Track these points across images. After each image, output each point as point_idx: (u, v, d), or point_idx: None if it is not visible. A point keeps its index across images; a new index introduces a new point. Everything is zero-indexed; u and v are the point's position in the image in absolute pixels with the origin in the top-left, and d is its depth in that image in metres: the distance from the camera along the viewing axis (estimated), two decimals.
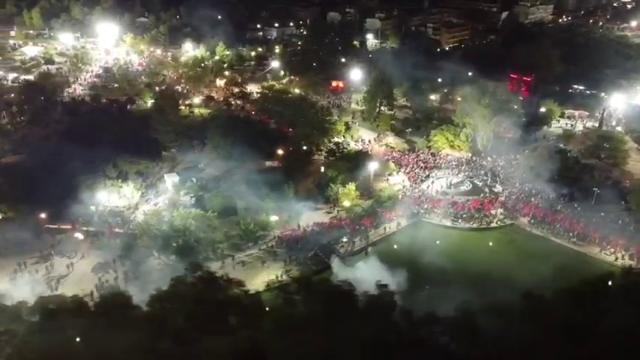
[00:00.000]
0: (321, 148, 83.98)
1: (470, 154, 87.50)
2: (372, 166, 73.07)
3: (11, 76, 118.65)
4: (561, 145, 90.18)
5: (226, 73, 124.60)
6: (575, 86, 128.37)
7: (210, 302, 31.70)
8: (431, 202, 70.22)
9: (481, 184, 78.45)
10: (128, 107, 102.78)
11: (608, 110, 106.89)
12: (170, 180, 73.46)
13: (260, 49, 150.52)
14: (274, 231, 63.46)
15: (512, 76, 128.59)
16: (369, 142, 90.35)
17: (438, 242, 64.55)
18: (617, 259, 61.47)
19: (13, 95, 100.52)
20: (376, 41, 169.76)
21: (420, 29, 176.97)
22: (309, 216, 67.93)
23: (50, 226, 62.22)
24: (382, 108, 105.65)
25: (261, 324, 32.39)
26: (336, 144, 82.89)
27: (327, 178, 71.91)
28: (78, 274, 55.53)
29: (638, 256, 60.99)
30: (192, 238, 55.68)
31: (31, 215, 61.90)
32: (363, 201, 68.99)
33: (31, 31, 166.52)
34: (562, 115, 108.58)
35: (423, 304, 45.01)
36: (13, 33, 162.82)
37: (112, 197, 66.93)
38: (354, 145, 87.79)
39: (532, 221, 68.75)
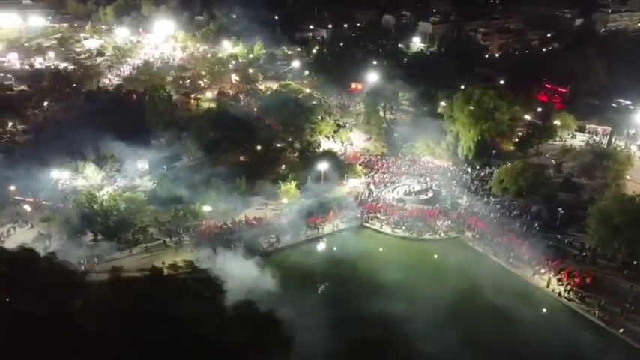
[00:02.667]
0: (294, 146, 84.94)
1: (450, 163, 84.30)
2: (323, 167, 72.82)
3: (62, 65, 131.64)
4: (553, 161, 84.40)
5: (250, 70, 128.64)
6: (621, 100, 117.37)
7: None
8: (371, 207, 68.86)
9: (445, 193, 75.23)
10: (147, 98, 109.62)
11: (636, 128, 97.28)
12: (140, 165, 78.41)
13: (299, 49, 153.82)
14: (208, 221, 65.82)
15: (547, 86, 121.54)
16: (350, 144, 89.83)
17: (381, 249, 64.39)
18: (548, 284, 56.76)
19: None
20: (422, 45, 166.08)
21: (470, 34, 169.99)
22: (254, 211, 69.63)
23: (17, 198, 69.45)
24: (386, 112, 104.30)
25: None
26: (308, 143, 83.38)
27: (279, 175, 73.01)
28: (18, 241, 61.23)
29: (565, 281, 56.02)
30: (113, 219, 59.64)
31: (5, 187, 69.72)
32: (304, 200, 69.34)
33: (103, 26, 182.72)
34: (581, 130, 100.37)
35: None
36: (87, 27, 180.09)
37: (77, 177, 73.24)
38: (331, 146, 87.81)
39: (476, 236, 65.19)
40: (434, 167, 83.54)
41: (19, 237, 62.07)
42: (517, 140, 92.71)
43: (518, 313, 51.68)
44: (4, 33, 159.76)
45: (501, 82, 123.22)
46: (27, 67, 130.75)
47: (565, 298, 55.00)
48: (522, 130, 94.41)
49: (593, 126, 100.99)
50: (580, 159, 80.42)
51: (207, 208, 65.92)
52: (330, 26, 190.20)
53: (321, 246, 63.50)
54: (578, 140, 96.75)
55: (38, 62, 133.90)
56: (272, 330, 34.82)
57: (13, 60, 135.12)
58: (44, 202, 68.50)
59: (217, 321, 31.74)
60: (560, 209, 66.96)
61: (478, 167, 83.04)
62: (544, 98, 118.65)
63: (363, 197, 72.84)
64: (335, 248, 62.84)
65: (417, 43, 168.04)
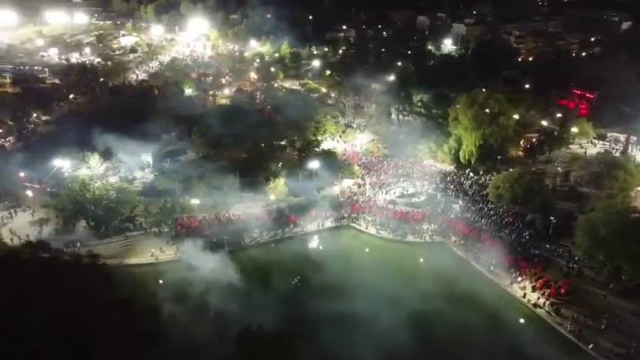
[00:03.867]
0: (295, 144, 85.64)
1: (452, 167, 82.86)
2: (314, 165, 73.19)
3: (96, 60, 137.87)
4: (559, 169, 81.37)
5: (272, 69, 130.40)
6: None
7: None
8: (356, 207, 68.62)
9: (440, 197, 73.90)
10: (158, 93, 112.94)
11: None
12: (144, 158, 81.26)
13: (326, 49, 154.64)
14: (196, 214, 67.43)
15: (575, 91, 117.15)
16: (353, 145, 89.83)
17: (361, 250, 64.15)
18: (525, 294, 54.89)
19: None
20: (453, 47, 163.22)
21: (503, 36, 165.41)
22: (244, 206, 70.57)
23: (26, 184, 73.45)
24: (399, 113, 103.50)
25: None
26: (308, 142, 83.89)
27: (271, 172, 73.90)
28: (16, 225, 65.01)
29: (540, 290, 54.16)
30: (102, 207, 62.24)
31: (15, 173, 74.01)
32: (292, 197, 70.01)
33: (143, 24, 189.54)
34: (602, 138, 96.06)
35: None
36: (128, 25, 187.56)
37: (82, 166, 76.92)
38: (337, 146, 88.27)
39: (461, 242, 63.77)
40: (434, 171, 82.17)
41: (18, 221, 65.97)
42: (529, 146, 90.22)
43: (482, 323, 50.27)
44: (51, 29, 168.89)
45: (526, 86, 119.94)
46: (64, 61, 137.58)
47: (539, 308, 53.03)
48: (534, 136, 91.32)
49: (615, 134, 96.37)
50: (588, 168, 76.90)
51: (195, 202, 67.52)
52: (363, 27, 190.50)
53: (301, 244, 63.52)
54: (598, 148, 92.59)
55: (74, 57, 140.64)
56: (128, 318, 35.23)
57: (53, 55, 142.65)
58: (48, 189, 72.25)
59: (80, 307, 32.46)
60: (552, 218, 64.50)
61: (481, 172, 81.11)
62: (570, 104, 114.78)
63: (355, 197, 72.68)
64: (314, 246, 63.19)
65: (448, 45, 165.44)
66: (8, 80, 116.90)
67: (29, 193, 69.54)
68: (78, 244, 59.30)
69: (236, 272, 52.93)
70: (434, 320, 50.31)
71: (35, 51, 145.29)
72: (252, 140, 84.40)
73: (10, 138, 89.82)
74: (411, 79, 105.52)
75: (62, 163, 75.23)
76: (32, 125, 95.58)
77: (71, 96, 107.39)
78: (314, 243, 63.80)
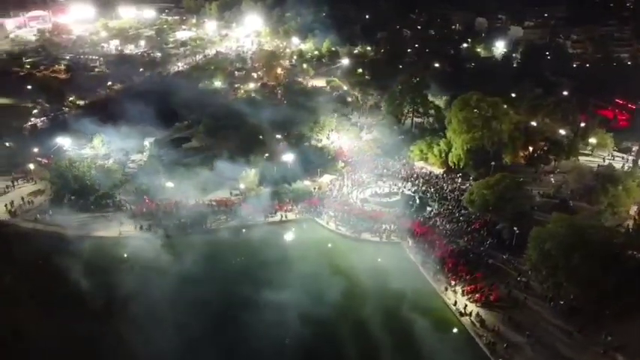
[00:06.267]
0: (290, 139, 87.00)
1: (441, 170, 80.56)
2: (288, 158, 74.51)
3: (147, 52, 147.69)
4: (552, 180, 76.41)
5: (304, 66, 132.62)
6: None
7: None
8: (313, 202, 69.16)
9: (416, 197, 72.45)
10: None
11: None
12: (146, 142, 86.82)
13: (369, 48, 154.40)
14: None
15: (617, 101, 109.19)
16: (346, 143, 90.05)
17: (312, 243, 64.60)
18: (456, 302, 52.90)
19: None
20: (504, 50, 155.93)
21: (559, 41, 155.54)
22: (220, 193, 73.46)
23: (37, 158, 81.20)
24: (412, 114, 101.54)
25: None
26: (301, 136, 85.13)
27: (249, 162, 76.01)
28: (15, 194, 72.06)
29: (467, 295, 52.11)
30: (79, 183, 67.80)
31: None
32: (262, 188, 71.84)
33: (206, 20, 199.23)
34: (626, 151, 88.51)
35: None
36: (193, 20, 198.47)
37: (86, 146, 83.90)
38: (332, 142, 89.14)
39: (415, 244, 62.32)
40: (422, 173, 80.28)
41: (19, 190, 73.24)
42: (535, 155, 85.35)
43: (396, 328, 49.03)
44: (118, 23, 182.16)
45: (564, 92, 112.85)
46: (119, 52, 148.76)
47: (465, 316, 50.91)
48: (542, 144, 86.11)
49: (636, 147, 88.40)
50: (581, 180, 71.67)
51: (169, 185, 71.30)
52: (419, 27, 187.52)
53: (252, 233, 64.48)
54: (616, 161, 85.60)
55: (129, 49, 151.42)
56: None
57: (112, 46, 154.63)
58: (53, 165, 79.37)
59: None
60: (515, 229, 61.19)
61: (471, 177, 78.05)
62: (609, 114, 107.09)
63: (327, 192, 73.17)
64: (265, 237, 63.41)
65: (499, 48, 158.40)
66: (63, 67, 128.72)
67: (31, 166, 76.62)
68: (50, 212, 65.39)
69: (166, 254, 55.74)
70: (343, 321, 49.81)
71: (98, 42, 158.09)
72: (247, 131, 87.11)
73: (44, 118, 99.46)
74: (423, 80, 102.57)
75: (63, 142, 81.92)
76: (66, 108, 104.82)
77: (109, 83, 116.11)
78: (268, 233, 64.55)
